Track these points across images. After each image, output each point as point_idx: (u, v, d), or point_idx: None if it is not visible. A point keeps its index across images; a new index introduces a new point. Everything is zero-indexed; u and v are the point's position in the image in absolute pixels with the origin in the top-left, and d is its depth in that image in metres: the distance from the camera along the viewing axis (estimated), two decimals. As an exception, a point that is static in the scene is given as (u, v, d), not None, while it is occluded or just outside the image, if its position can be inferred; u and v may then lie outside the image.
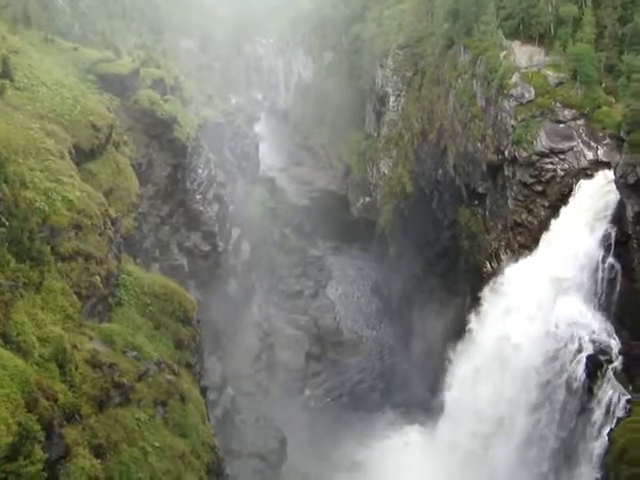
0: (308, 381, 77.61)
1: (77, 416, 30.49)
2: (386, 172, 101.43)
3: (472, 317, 60.99)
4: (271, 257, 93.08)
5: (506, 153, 60.52)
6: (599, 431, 46.42)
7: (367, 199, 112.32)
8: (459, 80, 73.46)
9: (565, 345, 50.66)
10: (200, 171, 69.36)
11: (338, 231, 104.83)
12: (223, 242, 71.79)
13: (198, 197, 68.36)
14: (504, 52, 64.88)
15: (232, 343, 68.58)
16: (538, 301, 53.82)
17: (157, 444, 35.68)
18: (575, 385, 49.57)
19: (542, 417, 51.75)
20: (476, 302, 61.26)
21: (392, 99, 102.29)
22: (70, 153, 44.99)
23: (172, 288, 46.55)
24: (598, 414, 47.22)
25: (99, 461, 30.48)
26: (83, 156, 47.70)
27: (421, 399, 69.63)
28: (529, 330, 53.50)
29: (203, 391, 45.12)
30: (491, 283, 60.31)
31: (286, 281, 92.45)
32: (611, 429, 45.25)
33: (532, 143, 57.32)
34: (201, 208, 68.47)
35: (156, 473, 34.51)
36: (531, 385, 52.87)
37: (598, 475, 45.62)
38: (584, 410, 48.36)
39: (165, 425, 37.71)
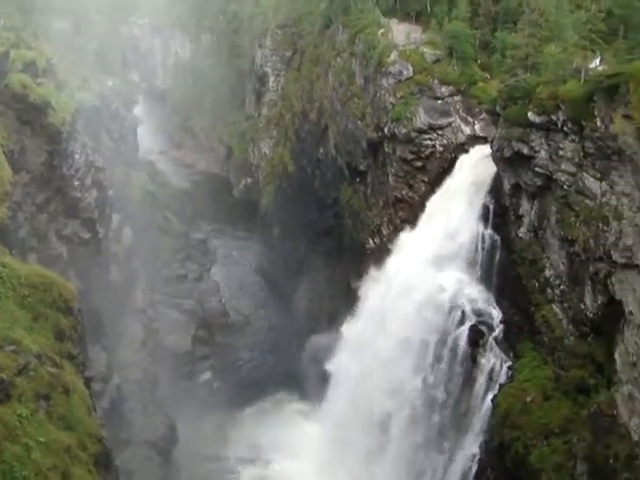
0: (196, 365, 76.67)
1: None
2: (267, 152, 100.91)
3: (357, 292, 61.34)
4: (154, 242, 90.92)
5: (386, 130, 61.04)
6: (484, 398, 47.66)
7: (249, 180, 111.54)
8: (338, 59, 73.60)
9: (448, 315, 51.58)
10: (77, 156, 66.82)
11: (221, 213, 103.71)
12: (103, 229, 69.54)
13: (76, 183, 65.85)
14: (382, 30, 65.34)
15: (116, 331, 66.76)
16: (420, 274, 54.44)
17: (41, 439, 34.28)
18: (459, 354, 50.57)
19: (429, 385, 52.54)
20: (361, 278, 61.69)
21: (272, 79, 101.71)
22: None
23: (51, 278, 44.70)
24: (482, 381, 48.50)
25: (-21, 462, 29.01)
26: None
27: (310, 374, 69.80)
28: (413, 301, 54.15)
29: (88, 382, 43.65)
30: (376, 258, 61.01)
31: (170, 265, 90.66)
32: (494, 395, 46.70)
33: (411, 120, 58.06)
34: (79, 194, 66.00)
35: (41, 469, 33.17)
36: (415, 355, 53.50)
37: (483, 439, 47.04)
38: (469, 378, 49.46)
39: (49, 419, 36.30)
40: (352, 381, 58.72)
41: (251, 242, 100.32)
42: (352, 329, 59.92)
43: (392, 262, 58.04)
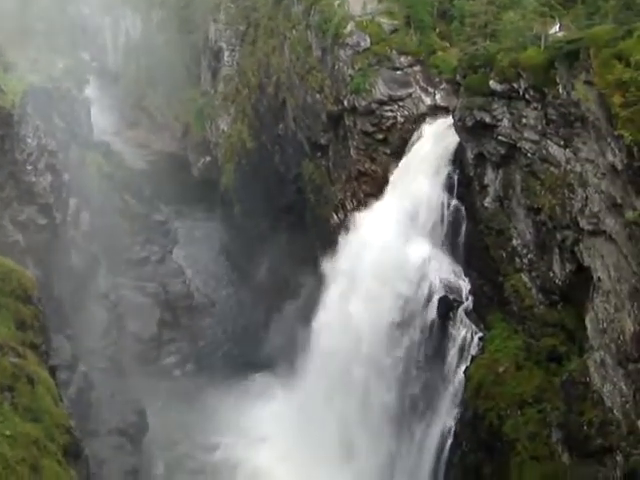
0: (162, 349, 76.14)
1: None
2: (225, 129, 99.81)
3: (323, 268, 61.20)
4: (113, 225, 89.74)
5: (345, 103, 60.66)
6: (456, 370, 48.07)
7: (208, 158, 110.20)
8: (294, 31, 72.80)
9: (417, 288, 51.80)
10: (29, 140, 65.40)
11: (180, 194, 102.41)
12: (60, 214, 68.31)
13: (29, 168, 64.49)
14: (337, 1, 64.59)
15: (80, 318, 65.91)
16: (387, 247, 54.44)
17: (7, 432, 33.72)
18: (429, 327, 50.93)
19: (401, 360, 52.86)
20: (326, 254, 61.49)
21: (227, 54, 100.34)
22: None
23: (8, 266, 43.87)
24: (453, 354, 48.91)
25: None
26: None
27: (276, 355, 69.78)
28: (380, 275, 54.23)
29: (52, 371, 42.97)
30: (340, 233, 60.88)
31: (131, 248, 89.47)
32: (467, 367, 47.11)
33: (370, 91, 57.71)
34: (33, 179, 64.68)
35: (9, 463, 32.66)
36: (386, 329, 53.63)
37: (457, 411, 47.39)
38: (441, 350, 49.87)
39: (14, 411, 35.70)
40: (325, 357, 58.62)
41: (212, 222, 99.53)
42: (320, 305, 59.81)
43: (357, 236, 57.85)
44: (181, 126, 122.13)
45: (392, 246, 53.65)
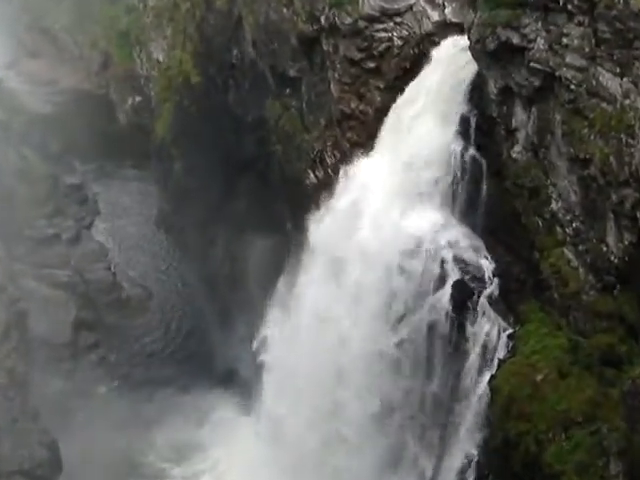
0: (81, 358, 75.78)
1: None
2: (160, 58, 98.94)
3: (296, 246, 61.66)
4: (8, 191, 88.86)
5: (323, 20, 60.21)
6: (477, 380, 48.06)
7: (138, 98, 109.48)
8: None
9: (422, 271, 51.60)
10: None
11: (101, 147, 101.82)
12: None
13: None
14: None
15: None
16: (381, 216, 54.43)
17: None
18: (441, 322, 50.83)
19: (402, 369, 53.07)
20: (301, 227, 61.50)
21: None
22: None
23: None
24: (474, 357, 48.84)
25: None
26: None
27: (234, 364, 69.91)
28: (374, 254, 54.07)
29: None
30: (319, 197, 60.64)
31: (33, 223, 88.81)
32: (492, 375, 46.92)
33: (357, 4, 57.15)
34: None
35: None
36: (381, 328, 53.83)
37: (481, 436, 47.42)
38: (456, 354, 49.92)
39: None
40: (297, 370, 59.14)
41: (146, 184, 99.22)
42: (291, 301, 60.20)
43: (342, 202, 57.60)
44: (99, 55, 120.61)
45: (388, 215, 53.50)
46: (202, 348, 74.97)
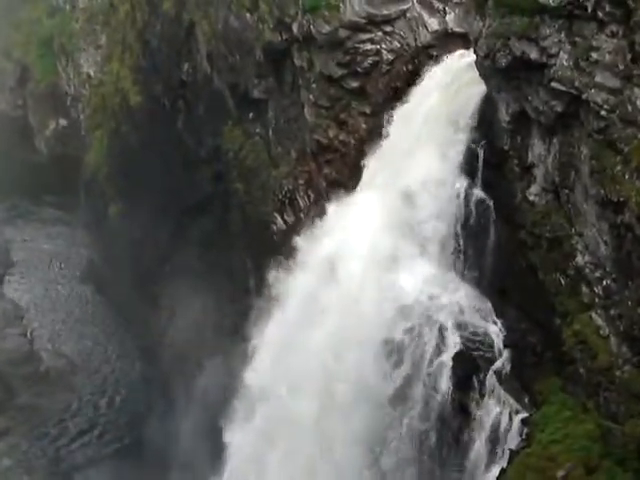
0: (-13, 447, 74.99)
1: None
2: (92, 72, 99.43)
3: (261, 307, 61.14)
4: None
5: (295, 28, 60.92)
6: (483, 475, 47.73)
7: (62, 122, 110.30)
8: None
9: (417, 339, 51.60)
10: None
11: (16, 181, 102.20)
12: None
13: None
14: None
15: None
16: (365, 271, 54.38)
17: None
18: (438, 404, 50.54)
19: (388, 465, 52.72)
20: (266, 283, 61.30)
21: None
22: None
23: None
24: (479, 446, 48.53)
25: None
26: None
27: (190, 450, 69.38)
28: (356, 320, 53.96)
29: None
30: (288, 247, 60.51)
31: None
32: (502, 470, 46.42)
33: (337, 9, 57.66)
34: None
35: None
36: (366, 413, 53.50)
37: None
38: (457, 444, 49.51)
39: None
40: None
41: (72, 228, 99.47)
42: (253, 374, 59.85)
43: (317, 252, 57.62)
44: (15, 67, 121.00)
45: (373, 271, 53.52)
46: (142, 435, 74.44)
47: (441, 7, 55.72)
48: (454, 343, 50.22)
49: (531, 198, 47.10)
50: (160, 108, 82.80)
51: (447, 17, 55.42)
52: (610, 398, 42.98)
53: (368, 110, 58.54)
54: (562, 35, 43.60)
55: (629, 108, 40.66)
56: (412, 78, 55.89)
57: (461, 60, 52.74)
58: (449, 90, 52.71)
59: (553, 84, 43.99)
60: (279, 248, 62.72)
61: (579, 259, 44.54)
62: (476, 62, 48.71)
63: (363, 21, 57.09)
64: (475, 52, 48.84)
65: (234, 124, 70.80)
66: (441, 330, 50.67)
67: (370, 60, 57.51)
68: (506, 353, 48.85)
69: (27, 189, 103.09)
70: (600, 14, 41.47)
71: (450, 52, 54.56)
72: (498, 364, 48.92)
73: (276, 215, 65.47)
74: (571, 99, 43.57)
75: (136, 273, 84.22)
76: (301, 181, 63.24)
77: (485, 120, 49.64)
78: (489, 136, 49.42)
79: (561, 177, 45.21)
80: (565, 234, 45.20)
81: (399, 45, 56.63)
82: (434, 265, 52.03)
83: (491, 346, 49.51)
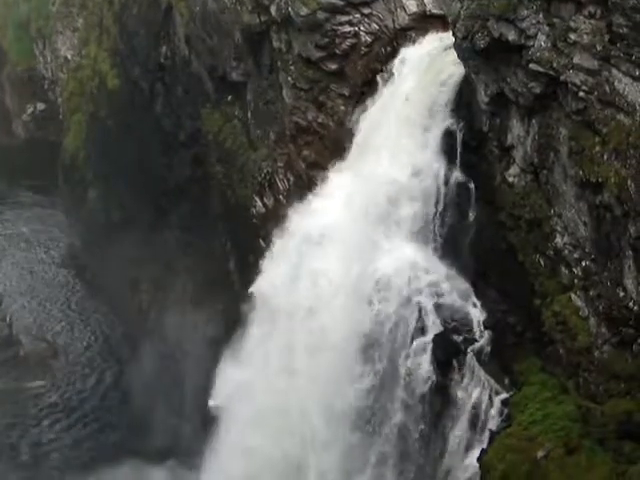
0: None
1: None
2: (69, 56, 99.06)
3: (241, 291, 61.53)
4: None
5: (273, 10, 60.74)
6: (465, 456, 47.71)
7: (40, 106, 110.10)
8: None
9: (396, 322, 51.45)
10: None
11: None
12: None
13: None
14: None
15: None
16: (345, 254, 54.49)
17: None
18: (418, 387, 50.49)
19: (369, 448, 52.67)
20: (246, 268, 61.53)
21: None
22: None
23: None
24: (460, 429, 48.54)
25: None
26: None
27: (171, 438, 69.39)
28: (335, 303, 54.20)
29: None
30: (268, 230, 60.73)
31: None
32: (483, 450, 46.45)
33: (316, -10, 57.58)
34: None
35: None
36: (348, 395, 53.45)
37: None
38: (438, 425, 49.44)
39: None
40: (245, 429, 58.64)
41: (52, 212, 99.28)
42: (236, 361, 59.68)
43: (296, 235, 57.55)
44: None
45: (353, 253, 53.58)
46: (122, 420, 74.36)
47: (420, -13, 55.89)
48: (434, 325, 50.15)
49: (510, 179, 47.06)
50: (138, 91, 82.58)
51: (425, -1, 55.55)
52: (590, 378, 42.97)
53: (347, 92, 58.37)
54: (540, 16, 43.39)
55: (607, 89, 40.56)
56: (390, 60, 55.85)
57: (439, 42, 52.64)
58: (428, 71, 52.74)
59: (531, 65, 43.79)
60: (259, 231, 62.64)
61: (558, 240, 44.56)
62: (454, 44, 48.60)
63: (341, 3, 56.77)
64: (453, 34, 48.70)
65: (213, 107, 70.67)
66: (421, 312, 50.55)
67: (348, 42, 57.25)
68: (486, 334, 48.85)
69: (5, 173, 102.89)
70: (579, -6, 41.65)
71: (428, 34, 54.50)
72: (478, 345, 48.88)
73: (256, 198, 65.38)
74: (549, 80, 43.40)
75: (116, 257, 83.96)
76: (280, 164, 63.10)
77: (463, 102, 49.62)
78: (468, 118, 49.34)
79: (540, 158, 45.12)
80: (544, 215, 45.19)
81: (377, 27, 56.37)
82: (413, 247, 51.76)
83: (471, 327, 49.53)
